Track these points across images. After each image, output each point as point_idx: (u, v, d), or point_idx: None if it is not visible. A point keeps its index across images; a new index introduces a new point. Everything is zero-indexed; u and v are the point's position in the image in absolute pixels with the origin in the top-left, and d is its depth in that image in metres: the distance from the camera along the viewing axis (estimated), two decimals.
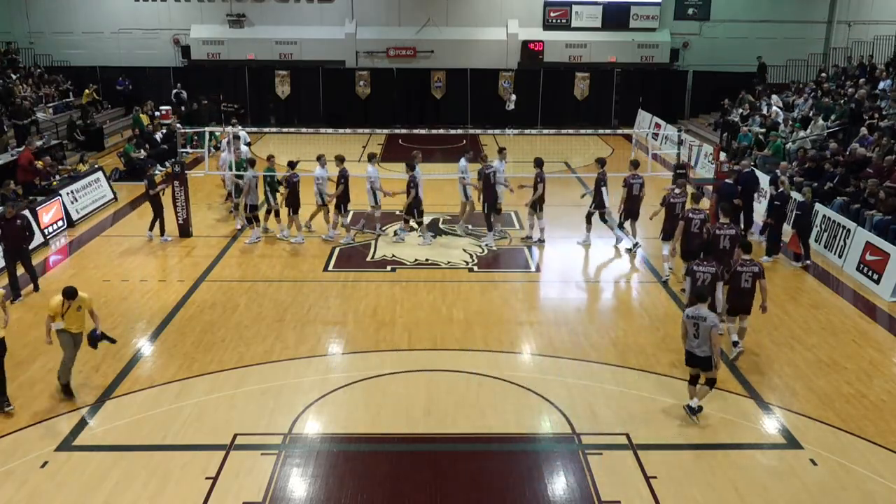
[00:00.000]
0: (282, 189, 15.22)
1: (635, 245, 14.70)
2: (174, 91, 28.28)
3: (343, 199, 15.02)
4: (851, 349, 10.74)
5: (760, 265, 10.12)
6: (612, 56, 30.78)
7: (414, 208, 14.97)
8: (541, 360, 10.35)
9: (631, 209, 14.60)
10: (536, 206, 14.89)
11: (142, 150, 21.41)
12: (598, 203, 14.84)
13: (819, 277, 13.70)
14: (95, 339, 9.39)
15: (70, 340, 9.24)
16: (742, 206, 14.80)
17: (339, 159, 15.09)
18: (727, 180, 15.00)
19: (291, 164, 15.12)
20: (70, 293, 9.08)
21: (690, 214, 12.24)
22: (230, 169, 16.10)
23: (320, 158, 15.30)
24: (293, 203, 14.91)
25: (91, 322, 9.40)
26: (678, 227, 12.31)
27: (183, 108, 27.07)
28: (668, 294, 12.71)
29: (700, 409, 8.76)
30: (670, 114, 29.00)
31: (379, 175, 15.42)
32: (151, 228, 15.51)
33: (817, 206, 15.05)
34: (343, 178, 14.83)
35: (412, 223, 15.30)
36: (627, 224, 14.79)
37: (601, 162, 15.18)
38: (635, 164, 14.81)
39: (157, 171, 21.35)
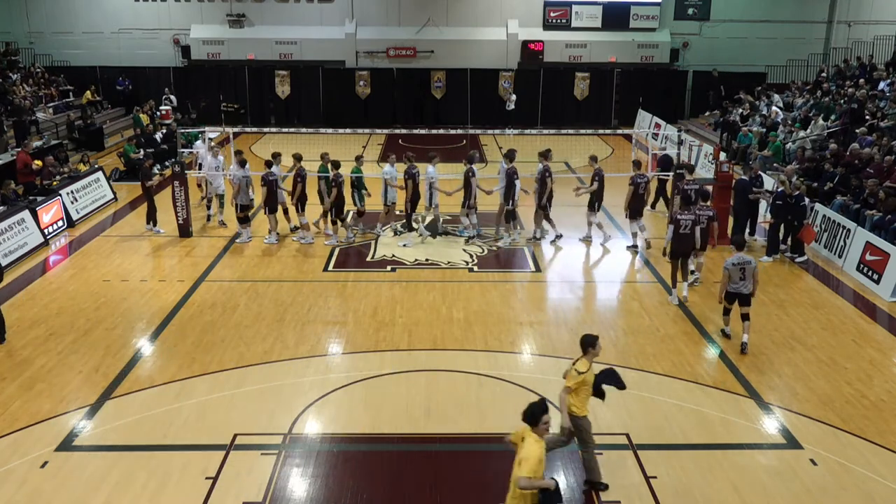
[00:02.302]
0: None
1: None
2: (163, 97, 27.64)
3: (300, 199, 15.00)
4: (851, 349, 10.74)
5: (715, 211, 12.56)
6: (612, 56, 30.80)
7: (333, 207, 14.95)
8: (541, 360, 10.35)
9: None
10: (466, 203, 15.12)
11: (141, 151, 21.39)
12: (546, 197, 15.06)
13: (819, 277, 13.70)
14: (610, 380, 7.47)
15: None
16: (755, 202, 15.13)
17: (297, 158, 15.12)
18: (744, 177, 15.08)
19: (269, 164, 15.14)
20: (591, 342, 7.32)
21: (637, 179, 14.67)
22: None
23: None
24: (270, 203, 14.94)
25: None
26: (628, 192, 14.67)
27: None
28: (669, 294, 12.69)
29: (746, 344, 10.55)
30: (670, 114, 29.03)
31: (438, 175, 15.46)
32: (149, 222, 15.86)
33: (817, 206, 15.08)
34: (300, 178, 14.84)
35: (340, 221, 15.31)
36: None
37: (546, 155, 15.21)
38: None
39: (156, 171, 21.37)
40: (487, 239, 15.46)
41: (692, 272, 12.78)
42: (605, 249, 15.13)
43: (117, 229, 16.48)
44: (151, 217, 15.90)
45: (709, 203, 12.77)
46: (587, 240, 15.41)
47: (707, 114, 28.96)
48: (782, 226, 14.42)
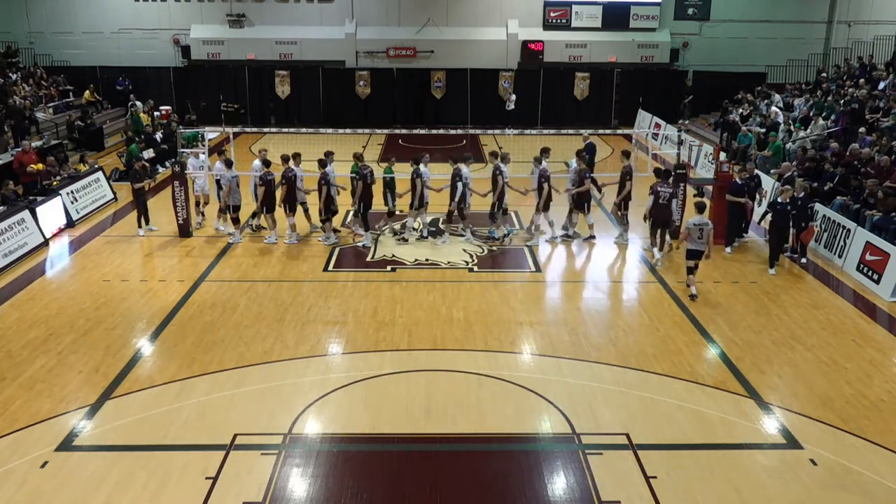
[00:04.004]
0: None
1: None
2: (130, 103, 26.64)
3: (290, 200, 14.95)
4: (851, 349, 10.74)
5: (675, 189, 14.15)
6: (612, 56, 30.81)
7: (324, 206, 14.95)
8: (541, 360, 10.35)
9: (579, 202, 15.37)
10: (415, 204, 15.17)
11: (150, 150, 21.38)
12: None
13: (819, 277, 13.69)
14: None
15: None
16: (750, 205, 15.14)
17: (284, 158, 15.10)
18: (737, 180, 15.00)
19: (266, 163, 15.05)
20: None
21: (588, 175, 15.43)
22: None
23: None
24: (268, 203, 14.94)
25: None
26: (586, 184, 15.34)
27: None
28: (669, 294, 12.71)
29: (696, 294, 12.46)
30: (670, 114, 29.03)
31: (471, 175, 15.55)
32: (140, 225, 15.77)
33: (817, 206, 15.05)
34: (285, 179, 14.79)
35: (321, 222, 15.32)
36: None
37: (496, 155, 15.45)
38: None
39: (158, 170, 21.37)
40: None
41: (667, 242, 14.21)
42: (604, 250, 15.14)
43: (117, 229, 16.47)
44: (142, 219, 15.73)
45: (670, 181, 14.23)
46: (534, 245, 15.27)
47: (680, 122, 29.05)
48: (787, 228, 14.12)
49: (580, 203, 15.38)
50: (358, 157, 15.37)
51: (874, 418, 8.87)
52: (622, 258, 14.80)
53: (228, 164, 15.34)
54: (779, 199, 13.94)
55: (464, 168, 15.33)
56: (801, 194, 13.98)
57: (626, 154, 15.62)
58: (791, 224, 13.98)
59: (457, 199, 15.03)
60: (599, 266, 14.54)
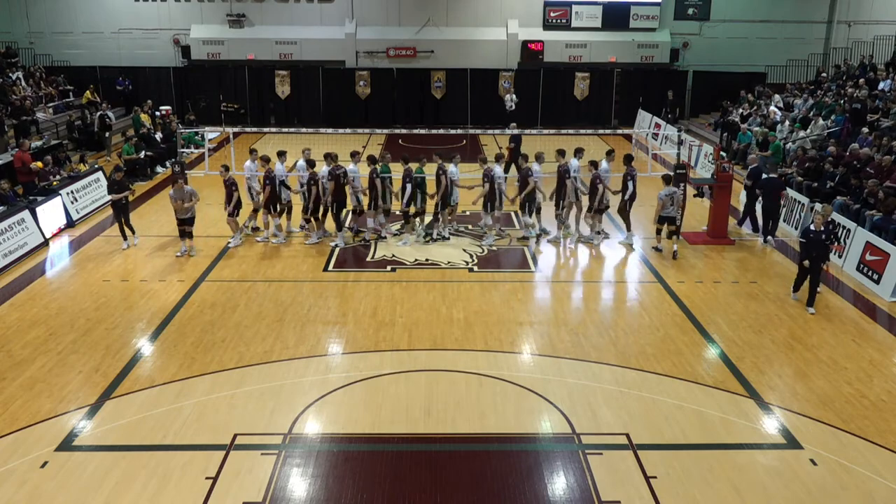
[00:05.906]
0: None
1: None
2: (99, 113, 25.06)
3: (272, 200, 14.91)
4: (851, 349, 10.75)
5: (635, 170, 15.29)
6: (612, 56, 30.80)
7: (308, 206, 14.95)
8: (541, 360, 10.35)
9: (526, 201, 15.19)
10: (373, 204, 15.14)
11: (143, 152, 21.32)
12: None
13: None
14: None
15: None
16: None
17: (265, 160, 15.08)
18: (772, 175, 15.03)
19: (226, 168, 14.91)
20: None
21: (528, 174, 15.14)
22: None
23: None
24: (236, 206, 14.90)
25: None
26: (530, 182, 15.12)
27: (107, 134, 24.36)
28: (669, 294, 12.72)
29: (676, 252, 14.37)
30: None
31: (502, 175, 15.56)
32: (125, 237, 15.07)
33: (817, 206, 15.04)
34: (269, 180, 14.76)
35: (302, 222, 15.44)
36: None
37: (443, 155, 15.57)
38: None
39: (158, 171, 21.36)
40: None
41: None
42: (604, 250, 15.15)
43: (117, 229, 16.41)
44: (124, 230, 14.99)
45: (632, 163, 15.30)
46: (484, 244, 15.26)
47: (673, 131, 28.85)
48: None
49: (522, 204, 15.19)
50: (332, 157, 15.02)
51: (874, 418, 8.87)
52: (622, 259, 14.80)
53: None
54: (811, 227, 12.01)
55: (496, 168, 15.29)
56: (829, 219, 12.29)
57: (562, 153, 15.39)
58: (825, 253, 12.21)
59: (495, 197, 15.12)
60: (599, 266, 14.54)
